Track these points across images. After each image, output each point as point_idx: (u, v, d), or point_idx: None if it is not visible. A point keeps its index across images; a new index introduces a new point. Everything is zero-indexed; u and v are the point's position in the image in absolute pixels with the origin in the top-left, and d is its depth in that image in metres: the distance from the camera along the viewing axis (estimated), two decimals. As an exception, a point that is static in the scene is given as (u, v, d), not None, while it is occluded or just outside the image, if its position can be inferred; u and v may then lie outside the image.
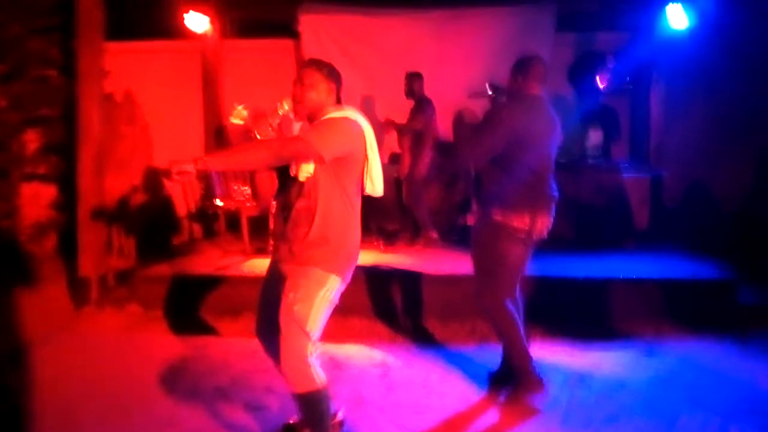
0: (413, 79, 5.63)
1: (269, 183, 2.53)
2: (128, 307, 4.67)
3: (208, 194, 6.59)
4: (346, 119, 2.34)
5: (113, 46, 5.42)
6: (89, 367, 3.67)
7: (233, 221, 6.14)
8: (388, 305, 4.48)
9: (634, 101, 6.77)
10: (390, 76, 6.22)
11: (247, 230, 5.46)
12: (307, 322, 2.26)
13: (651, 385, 3.33)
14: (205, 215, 6.79)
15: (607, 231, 5.37)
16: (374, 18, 6.63)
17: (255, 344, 3.97)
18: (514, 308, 3.03)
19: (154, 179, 7.07)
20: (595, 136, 6.00)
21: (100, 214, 4.89)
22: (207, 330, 4.33)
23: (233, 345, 4.03)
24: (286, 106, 2.39)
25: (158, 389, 3.33)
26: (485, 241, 2.99)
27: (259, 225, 5.74)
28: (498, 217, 2.93)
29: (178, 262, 5.23)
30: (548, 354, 3.77)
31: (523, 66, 3.07)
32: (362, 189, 2.47)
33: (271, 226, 4.72)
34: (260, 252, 5.34)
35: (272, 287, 2.45)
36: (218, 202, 5.65)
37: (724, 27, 5.90)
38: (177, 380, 3.45)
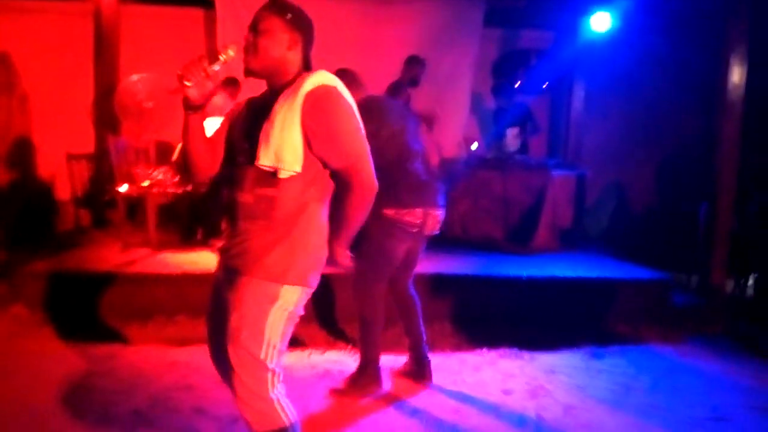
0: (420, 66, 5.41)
1: (208, 158, 1.88)
2: (10, 308, 3.93)
3: (103, 177, 5.83)
4: (340, 93, 1.79)
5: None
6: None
7: (132, 209, 5.46)
8: (326, 309, 4.09)
9: (554, 100, 6.84)
10: (315, 58, 5.78)
11: (153, 220, 4.83)
12: (260, 349, 1.72)
13: (612, 392, 3.23)
14: (95, 201, 6.02)
15: (534, 229, 5.30)
16: (299, -5, 6.16)
17: (173, 354, 3.53)
18: (405, 304, 3.16)
19: (28, 155, 6.17)
20: (511, 133, 5.95)
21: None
22: (111, 336, 3.72)
23: (145, 354, 3.49)
24: (231, 53, 1.76)
25: (59, 416, 2.73)
26: (373, 233, 2.88)
27: (165, 214, 5.13)
28: (389, 212, 2.90)
29: (70, 255, 4.52)
30: (496, 360, 3.60)
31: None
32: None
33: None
34: (167, 246, 4.76)
35: (220, 298, 1.87)
36: (121, 188, 4.95)
37: (644, 32, 6.07)
38: (82, 404, 2.86)
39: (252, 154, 1.76)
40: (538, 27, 6.69)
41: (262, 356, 1.72)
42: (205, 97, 1.78)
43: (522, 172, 5.44)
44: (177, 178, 4.97)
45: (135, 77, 5.79)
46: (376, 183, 1.82)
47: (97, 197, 5.92)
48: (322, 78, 1.79)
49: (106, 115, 5.98)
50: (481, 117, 6.64)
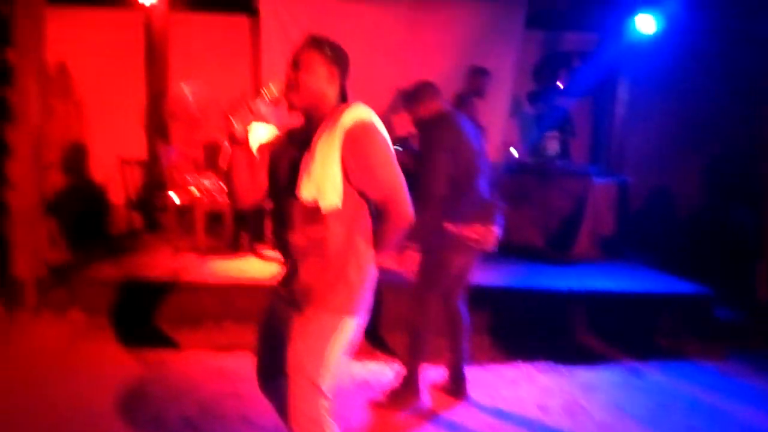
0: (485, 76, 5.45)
1: (251, 188, 2.00)
2: (69, 313, 4.16)
3: (154, 183, 6.06)
4: (377, 128, 1.88)
5: (48, 12, 4.78)
6: (27, 389, 3.20)
7: (182, 214, 5.67)
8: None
9: (597, 104, 6.75)
10: (356, 64, 5.86)
11: (201, 227, 5.02)
12: (320, 377, 1.87)
13: (650, 411, 3.24)
14: (147, 205, 6.26)
15: (574, 236, 5.29)
16: (342, 1, 6.24)
17: (220, 360, 3.70)
18: (454, 320, 3.21)
19: (84, 160, 6.45)
20: (551, 139, 5.91)
21: (41, 208, 4.32)
22: (163, 342, 3.91)
23: (195, 361, 3.66)
24: (274, 90, 1.89)
25: (114, 420, 2.92)
26: (433, 245, 2.99)
27: (213, 220, 5.31)
28: (451, 226, 2.96)
29: (125, 260, 4.74)
30: (534, 374, 3.64)
31: (411, 96, 3.12)
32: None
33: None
34: (215, 252, 4.94)
35: (275, 327, 2.03)
36: (174, 197, 5.15)
37: (690, 33, 5.93)
38: (135, 407, 3.04)
39: (294, 188, 1.86)
40: (580, 29, 6.60)
41: (321, 383, 1.87)
42: (248, 133, 1.93)
43: (562, 178, 5.42)
44: (224, 187, 5.15)
45: (185, 86, 6.00)
46: (411, 213, 1.91)
47: (149, 202, 6.16)
48: (359, 113, 1.87)
49: (157, 122, 6.21)
50: (521, 121, 6.61)
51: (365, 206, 1.92)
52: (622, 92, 6.44)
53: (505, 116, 6.49)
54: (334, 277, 1.88)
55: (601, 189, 5.45)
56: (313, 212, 1.85)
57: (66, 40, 6.12)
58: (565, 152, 5.97)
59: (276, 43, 6.12)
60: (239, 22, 6.56)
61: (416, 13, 6.28)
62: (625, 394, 3.45)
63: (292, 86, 1.91)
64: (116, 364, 3.55)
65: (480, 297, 4.19)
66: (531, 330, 4.17)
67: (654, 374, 3.73)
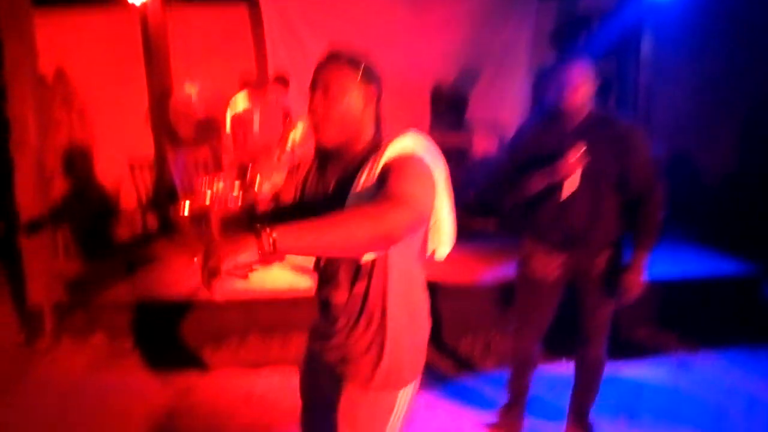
0: None
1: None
2: (90, 337, 4.04)
3: (165, 185, 5.90)
4: (420, 159, 1.47)
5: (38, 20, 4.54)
6: (46, 428, 3.09)
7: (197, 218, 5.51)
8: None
9: (620, 68, 6.40)
10: (360, 47, 5.59)
11: (218, 233, 4.84)
12: None
13: (703, 417, 3.05)
14: (161, 208, 6.11)
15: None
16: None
17: (249, 381, 3.55)
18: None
19: (91, 167, 6.29)
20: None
21: (49, 231, 4.17)
22: (188, 362, 3.79)
23: (223, 384, 3.53)
24: (299, 130, 1.59)
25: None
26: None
27: (230, 224, 5.14)
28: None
29: (142, 275, 4.60)
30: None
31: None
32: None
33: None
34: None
35: (318, 401, 1.71)
36: (184, 210, 4.95)
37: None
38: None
39: None
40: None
41: None
42: (276, 188, 1.64)
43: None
44: (238, 189, 4.94)
45: (188, 87, 5.78)
46: (369, 245, 1.42)
47: (162, 206, 6.00)
48: (404, 145, 1.48)
49: (163, 122, 6.01)
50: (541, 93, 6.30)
51: (412, 254, 1.59)
52: (646, 54, 6.07)
53: (524, 88, 6.18)
54: (383, 339, 1.54)
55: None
56: (358, 265, 1.53)
57: (61, 46, 5.91)
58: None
59: (279, 31, 5.83)
60: (238, 11, 6.26)
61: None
62: (675, 396, 3.25)
63: (321, 117, 1.51)
64: (142, 395, 3.42)
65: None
66: (572, 323, 3.96)
67: (704, 368, 3.53)
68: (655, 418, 3.02)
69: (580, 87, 2.35)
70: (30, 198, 3.99)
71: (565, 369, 3.49)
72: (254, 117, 4.65)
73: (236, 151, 4.71)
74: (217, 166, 5.54)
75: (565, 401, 2.86)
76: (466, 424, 2.99)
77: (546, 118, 2.51)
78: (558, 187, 2.41)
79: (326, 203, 1.56)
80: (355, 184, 1.48)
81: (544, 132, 2.48)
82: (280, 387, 3.42)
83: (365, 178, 1.47)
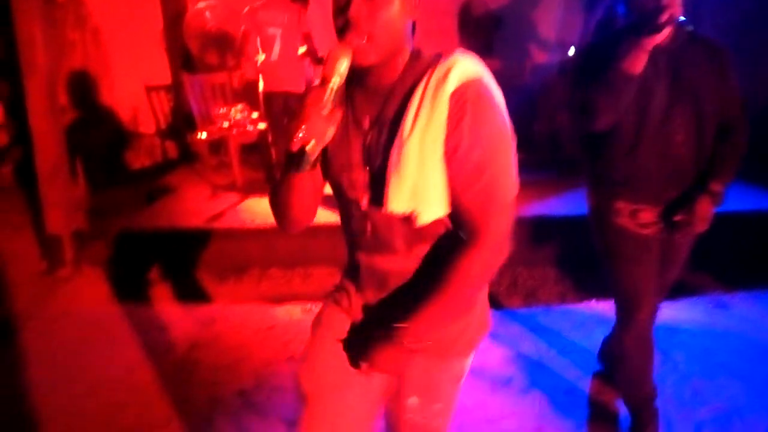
0: None
1: (310, 211, 1.39)
2: (110, 267, 4.01)
3: (182, 111, 5.73)
4: (494, 99, 1.20)
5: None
6: (68, 357, 3.09)
7: (216, 146, 5.38)
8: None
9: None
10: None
11: (237, 162, 4.72)
12: (446, 428, 1.47)
13: (739, 359, 2.92)
14: (178, 135, 5.98)
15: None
16: None
17: (270, 315, 3.50)
18: None
19: (108, 90, 6.12)
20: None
21: (65, 158, 4.07)
22: (209, 295, 3.75)
23: (244, 317, 3.48)
24: (346, 59, 1.13)
25: (168, 397, 2.76)
26: None
27: (249, 152, 5.01)
28: None
29: (162, 206, 4.53)
30: (606, 315, 3.34)
31: None
32: None
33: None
34: (254, 189, 4.65)
35: (342, 389, 1.41)
36: (201, 135, 4.82)
37: None
38: (190, 383, 2.87)
39: (378, 193, 1.24)
40: None
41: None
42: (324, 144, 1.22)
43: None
44: (255, 116, 4.78)
45: (202, 4, 5.50)
46: (506, 245, 1.32)
47: (180, 133, 5.86)
48: (466, 68, 1.19)
49: (178, 45, 5.77)
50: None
51: None
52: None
53: (557, 13, 5.73)
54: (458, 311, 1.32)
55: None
56: (410, 224, 1.24)
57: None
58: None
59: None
60: None
61: None
62: (711, 337, 3.12)
63: (360, 31, 1.15)
64: (166, 327, 3.39)
65: (545, 227, 3.86)
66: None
67: (741, 307, 3.38)
68: (690, 358, 2.91)
69: None
70: (43, 122, 3.86)
71: (595, 308, 3.39)
72: (275, 41, 4.34)
73: (253, 74, 4.49)
74: (234, 93, 5.34)
75: (595, 342, 2.76)
76: (491, 362, 2.91)
77: (627, 30, 1.91)
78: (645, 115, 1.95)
79: (365, 143, 1.26)
80: (404, 121, 1.19)
81: (628, 49, 1.83)
82: (302, 321, 3.37)
83: (423, 115, 1.17)
